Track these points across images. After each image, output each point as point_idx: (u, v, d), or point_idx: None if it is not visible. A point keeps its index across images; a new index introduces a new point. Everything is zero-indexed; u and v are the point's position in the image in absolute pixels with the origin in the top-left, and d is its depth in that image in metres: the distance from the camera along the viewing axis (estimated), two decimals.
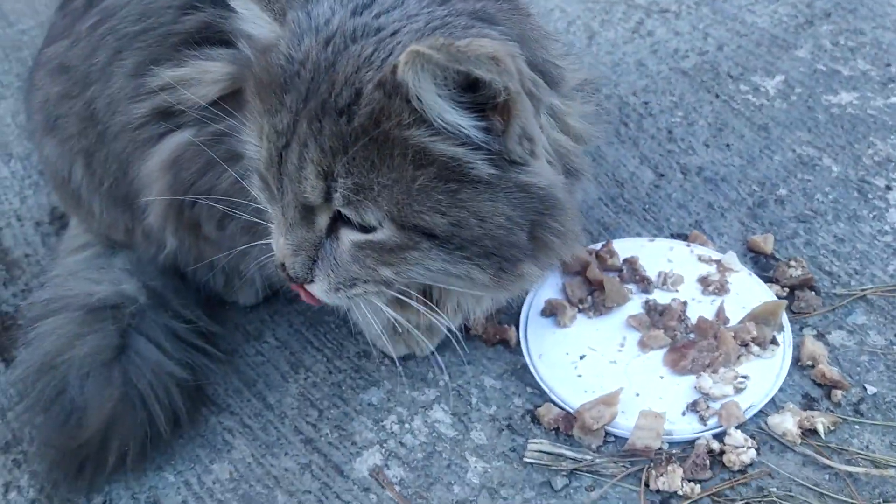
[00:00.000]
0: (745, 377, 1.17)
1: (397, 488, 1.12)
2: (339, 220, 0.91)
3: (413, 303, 1.00)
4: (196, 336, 1.21)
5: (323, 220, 0.91)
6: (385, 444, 1.17)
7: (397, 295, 0.98)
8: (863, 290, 1.28)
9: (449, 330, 1.10)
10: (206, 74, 1.03)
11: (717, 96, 1.65)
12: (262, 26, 0.93)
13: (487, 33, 0.88)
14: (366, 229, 0.90)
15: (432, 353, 1.24)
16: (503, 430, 1.18)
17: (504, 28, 0.92)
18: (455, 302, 1.08)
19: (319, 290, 0.95)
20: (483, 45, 0.79)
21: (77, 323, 1.15)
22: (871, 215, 1.40)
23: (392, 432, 1.18)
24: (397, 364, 1.23)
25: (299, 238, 0.92)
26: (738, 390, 1.15)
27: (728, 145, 1.54)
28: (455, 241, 0.90)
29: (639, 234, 1.40)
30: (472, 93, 0.82)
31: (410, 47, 0.79)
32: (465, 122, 0.84)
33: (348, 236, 0.91)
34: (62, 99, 1.13)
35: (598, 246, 1.33)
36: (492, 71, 0.79)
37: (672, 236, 1.39)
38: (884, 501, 1.06)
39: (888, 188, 1.43)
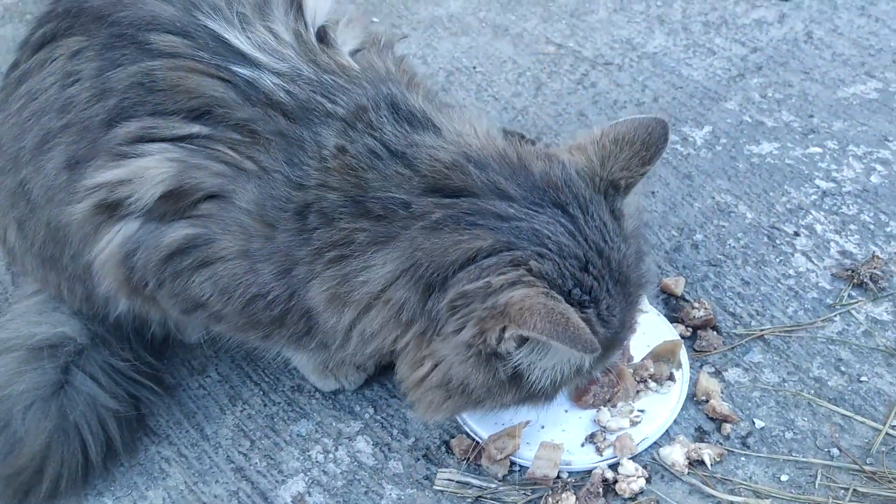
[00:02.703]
0: (641, 411, 1.25)
1: None
2: None
3: None
4: (137, 372, 1.30)
5: None
6: (309, 473, 1.26)
7: None
8: (761, 330, 1.37)
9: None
10: (146, 172, 1.04)
11: None
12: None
13: None
14: None
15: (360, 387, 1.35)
16: (419, 459, 1.26)
17: None
18: None
19: None
20: None
21: (19, 361, 1.24)
22: (777, 260, 1.49)
23: (317, 461, 1.28)
24: (327, 398, 1.33)
25: None
26: (634, 423, 1.24)
27: (653, 192, 1.64)
28: None
29: None
30: None
31: None
32: None
33: None
34: None
35: None
36: None
37: None
38: None
39: (796, 234, 1.52)
